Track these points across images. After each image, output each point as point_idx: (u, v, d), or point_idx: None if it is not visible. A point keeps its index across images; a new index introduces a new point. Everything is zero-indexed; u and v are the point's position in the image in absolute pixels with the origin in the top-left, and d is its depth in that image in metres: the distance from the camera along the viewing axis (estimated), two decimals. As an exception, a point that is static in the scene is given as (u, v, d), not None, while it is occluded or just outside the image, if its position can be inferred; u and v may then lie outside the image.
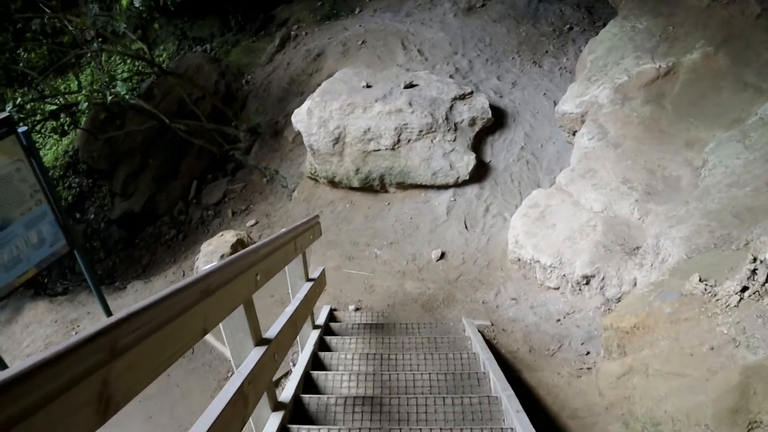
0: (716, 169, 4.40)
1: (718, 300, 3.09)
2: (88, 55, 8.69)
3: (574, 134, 5.92)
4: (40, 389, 0.85)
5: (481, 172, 6.40)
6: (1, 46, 7.13)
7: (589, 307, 4.53)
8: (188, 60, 10.09)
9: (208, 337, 5.17)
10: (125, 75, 9.63)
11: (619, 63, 5.78)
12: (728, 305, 2.98)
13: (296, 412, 3.06)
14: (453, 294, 5.21)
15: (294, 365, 4.12)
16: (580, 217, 4.86)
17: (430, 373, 3.55)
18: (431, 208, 6.34)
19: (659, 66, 5.43)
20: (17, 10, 6.90)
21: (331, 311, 5.09)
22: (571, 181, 5.17)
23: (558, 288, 4.80)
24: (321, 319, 4.68)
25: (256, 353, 2.33)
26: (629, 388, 3.33)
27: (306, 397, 3.17)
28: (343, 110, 6.46)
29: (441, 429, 2.88)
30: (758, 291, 2.87)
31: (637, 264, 4.33)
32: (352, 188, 6.78)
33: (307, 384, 3.49)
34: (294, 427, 2.81)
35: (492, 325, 4.65)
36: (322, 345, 4.21)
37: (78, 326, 6.23)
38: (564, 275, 4.71)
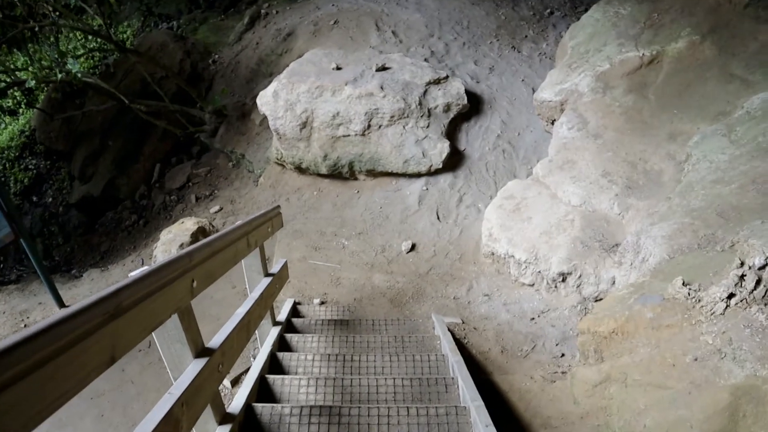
0: (700, 164, 4.22)
1: (702, 306, 2.90)
2: (46, 29, 8.16)
3: (552, 123, 5.69)
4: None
5: (455, 161, 6.15)
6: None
7: (565, 306, 4.32)
8: (152, 37, 9.58)
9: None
10: (80, 52, 9.09)
11: (601, 50, 5.55)
12: (713, 312, 2.79)
13: (247, 424, 2.78)
14: (423, 288, 4.97)
15: (254, 359, 3.86)
16: (558, 211, 4.65)
17: (395, 378, 3.30)
18: (402, 198, 6.07)
19: (643, 54, 5.22)
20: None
21: (295, 305, 4.81)
22: (549, 173, 4.94)
23: (533, 285, 4.59)
24: (283, 315, 4.39)
25: (195, 367, 2.05)
26: (606, 398, 3.12)
27: (259, 406, 2.88)
28: (311, 93, 6.11)
29: (403, 445, 2.63)
30: (746, 299, 2.68)
31: (616, 262, 4.13)
32: (320, 175, 6.47)
33: (262, 390, 3.22)
34: (242, 442, 2.54)
35: (463, 323, 4.41)
36: (282, 344, 3.93)
37: (28, 317, 5.84)
38: (539, 272, 4.49)
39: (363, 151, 6.09)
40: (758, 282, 2.64)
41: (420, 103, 6.02)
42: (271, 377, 3.28)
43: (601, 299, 4.27)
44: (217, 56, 9.33)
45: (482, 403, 2.89)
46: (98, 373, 1.32)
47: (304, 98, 6.12)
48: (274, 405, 2.92)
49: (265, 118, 6.74)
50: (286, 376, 3.30)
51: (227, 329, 2.51)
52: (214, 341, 2.34)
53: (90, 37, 10.06)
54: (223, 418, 2.54)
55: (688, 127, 4.65)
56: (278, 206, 4.10)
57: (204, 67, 9.20)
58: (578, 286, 4.29)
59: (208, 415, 2.38)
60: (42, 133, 9.33)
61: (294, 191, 6.56)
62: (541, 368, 3.83)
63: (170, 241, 5.92)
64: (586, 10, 6.48)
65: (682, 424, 2.51)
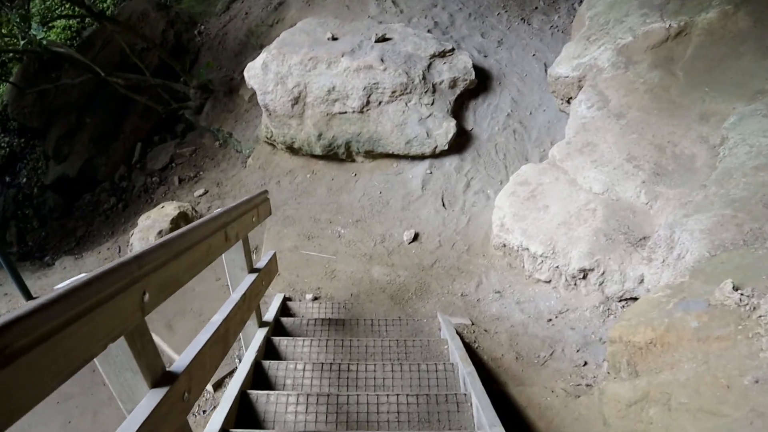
0: (738, 149, 3.77)
1: (760, 317, 2.47)
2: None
3: (568, 101, 5.19)
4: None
5: (461, 142, 5.65)
6: None
7: (586, 306, 3.89)
8: (132, 6, 8.92)
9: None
10: (37, 18, 8.42)
11: (623, 21, 5.04)
12: (776, 325, 2.36)
13: (223, 455, 2.33)
14: (427, 283, 4.52)
15: (240, 361, 3.46)
16: (578, 199, 4.19)
17: (398, 394, 2.86)
18: (404, 182, 5.57)
19: (669, 25, 4.71)
20: None
21: (285, 301, 4.36)
22: (567, 156, 4.47)
23: (549, 281, 4.14)
24: (271, 313, 3.94)
25: (152, 399, 1.60)
26: (644, 421, 2.69)
27: (237, 432, 2.44)
28: (304, 65, 5.57)
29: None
30: (820, 309, 2.24)
31: (645, 258, 3.68)
32: (313, 156, 5.94)
33: (243, 408, 2.77)
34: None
35: (473, 324, 3.96)
36: (268, 349, 3.48)
37: (-8, 309, 5.37)
38: (557, 267, 4.04)
39: (361, 129, 5.57)
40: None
41: (424, 78, 5.50)
42: (254, 393, 2.82)
43: (626, 299, 3.84)
44: (203, 27, 8.73)
45: (502, 429, 2.45)
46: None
47: (296, 71, 5.58)
48: (257, 432, 2.47)
49: (254, 93, 6.20)
50: (271, 393, 2.84)
51: (197, 345, 2.02)
52: (179, 363, 1.86)
53: (68, 5, 9.40)
54: (195, 452, 2.08)
55: (722, 106, 4.18)
56: (266, 191, 3.60)
57: (189, 38, 8.60)
58: (601, 284, 3.85)
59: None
60: (15, 108, 8.70)
61: (285, 173, 6.05)
62: (562, 379, 3.40)
63: (148, 228, 5.44)
64: (603, -22, 5.93)
65: (745, 462, 2.10)
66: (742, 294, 2.59)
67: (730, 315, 2.57)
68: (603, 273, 3.82)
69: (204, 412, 3.49)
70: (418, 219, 5.20)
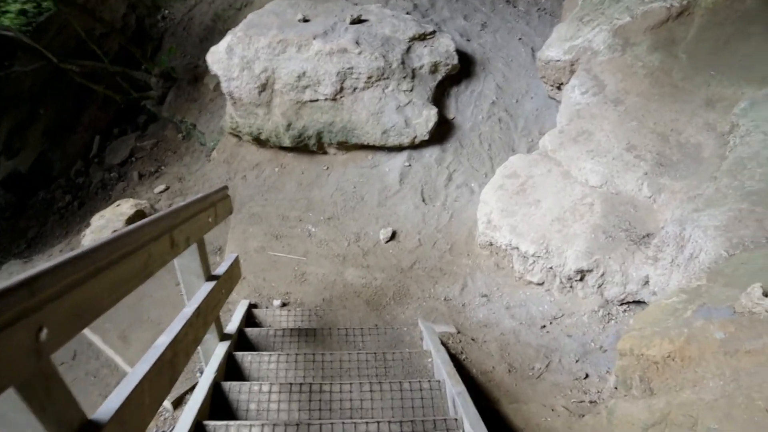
0: (751, 137, 3.43)
1: (798, 328, 2.11)
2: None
3: (559, 87, 4.82)
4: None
5: (443, 131, 5.23)
6: None
7: (583, 311, 3.51)
8: (91, -13, 8.33)
9: (96, 340, 3.96)
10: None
11: (619, 0, 4.67)
12: (817, 337, 2.00)
13: None
14: (406, 286, 4.09)
15: (201, 374, 3.00)
16: (573, 193, 3.81)
17: (378, 421, 2.43)
18: (380, 175, 5.14)
19: (670, 5, 4.38)
20: None
21: (250, 309, 3.89)
22: (560, 146, 4.08)
23: (542, 284, 3.76)
24: (234, 324, 3.46)
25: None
26: (665, 449, 2.31)
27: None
28: (273, 48, 5.08)
29: None
30: None
31: (650, 258, 3.31)
32: (282, 148, 5.46)
33: (195, 443, 2.31)
34: None
35: (458, 332, 3.55)
36: (230, 367, 3.02)
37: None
38: (551, 267, 3.66)
39: (334, 119, 5.11)
40: None
41: (402, 62, 5.05)
42: (211, 425, 2.37)
43: (628, 302, 3.47)
44: (167, 11, 8.18)
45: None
46: None
47: (264, 55, 5.09)
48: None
49: (219, 82, 5.70)
50: (231, 423, 2.38)
51: (131, 380, 1.55)
52: (107, 407, 1.40)
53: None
54: None
55: (730, 91, 3.85)
56: (225, 187, 3.12)
57: (152, 23, 8.05)
58: (600, 286, 3.48)
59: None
60: (-38, 98, 8.06)
61: (252, 167, 5.57)
62: (562, 394, 3.01)
63: (101, 228, 4.92)
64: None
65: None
66: (773, 300, 2.24)
67: (762, 325, 2.23)
68: (602, 274, 3.45)
69: (161, 434, 3.02)
70: (396, 216, 4.77)
